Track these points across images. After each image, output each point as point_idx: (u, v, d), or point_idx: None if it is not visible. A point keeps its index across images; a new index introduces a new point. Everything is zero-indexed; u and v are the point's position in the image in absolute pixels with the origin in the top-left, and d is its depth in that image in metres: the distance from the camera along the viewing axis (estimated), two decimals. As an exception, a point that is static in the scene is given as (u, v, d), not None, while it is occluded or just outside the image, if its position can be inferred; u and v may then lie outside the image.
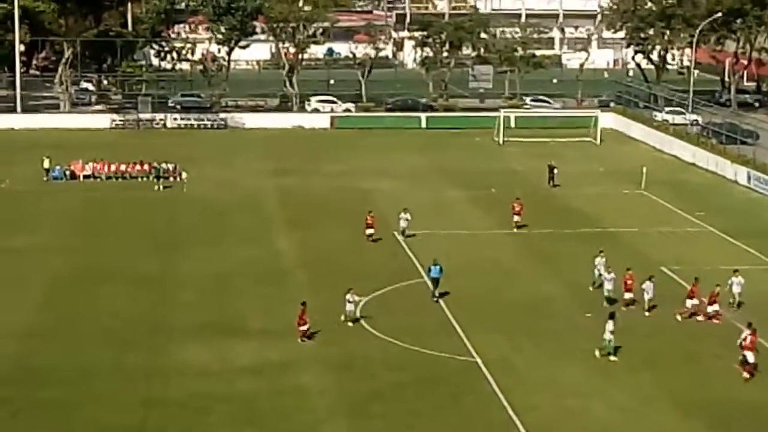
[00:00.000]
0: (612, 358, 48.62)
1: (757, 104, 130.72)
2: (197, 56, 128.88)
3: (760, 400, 44.94)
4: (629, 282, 55.83)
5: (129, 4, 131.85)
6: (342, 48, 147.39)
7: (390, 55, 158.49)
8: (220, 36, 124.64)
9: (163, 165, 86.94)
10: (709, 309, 53.94)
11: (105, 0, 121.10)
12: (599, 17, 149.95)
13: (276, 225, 73.64)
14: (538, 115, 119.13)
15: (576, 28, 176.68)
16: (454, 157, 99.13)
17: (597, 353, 48.77)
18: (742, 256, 67.14)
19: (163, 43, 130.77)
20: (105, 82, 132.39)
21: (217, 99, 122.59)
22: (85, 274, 61.47)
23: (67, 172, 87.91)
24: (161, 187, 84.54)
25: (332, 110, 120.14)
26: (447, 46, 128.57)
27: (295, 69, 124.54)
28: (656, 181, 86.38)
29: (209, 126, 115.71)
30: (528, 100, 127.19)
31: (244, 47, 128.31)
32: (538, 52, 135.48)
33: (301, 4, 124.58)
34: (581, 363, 48.65)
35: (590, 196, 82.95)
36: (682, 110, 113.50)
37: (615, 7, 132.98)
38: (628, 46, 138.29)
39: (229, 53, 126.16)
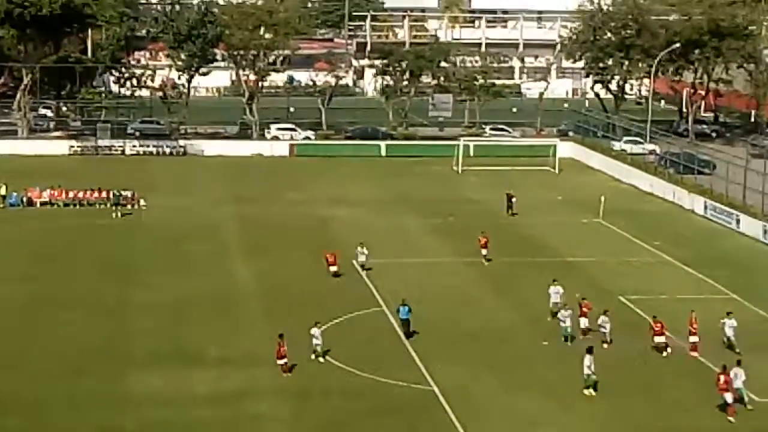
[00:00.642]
0: (588, 392, 47.98)
1: (714, 134, 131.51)
2: (157, 83, 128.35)
3: (716, 429, 45.08)
4: (585, 310, 56.04)
5: (89, 31, 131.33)
6: (302, 76, 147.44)
7: (350, 83, 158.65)
8: (180, 63, 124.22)
9: (122, 192, 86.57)
10: (691, 339, 53.94)
11: (65, 26, 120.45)
12: (558, 47, 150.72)
13: (234, 253, 73.43)
14: (498, 144, 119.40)
15: (536, 57, 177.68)
16: (413, 186, 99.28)
17: (585, 391, 48.19)
18: (699, 285, 67.52)
19: (123, 70, 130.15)
20: (64, 108, 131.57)
21: (177, 126, 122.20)
22: (42, 302, 61.05)
23: (24, 199, 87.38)
24: (119, 214, 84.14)
25: (292, 138, 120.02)
26: (407, 75, 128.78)
27: (255, 96, 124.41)
28: (614, 210, 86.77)
29: (168, 153, 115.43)
30: (487, 128, 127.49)
31: (204, 74, 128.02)
32: (498, 81, 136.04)
33: (261, 32, 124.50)
34: (538, 393, 48.68)
35: (549, 225, 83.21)
36: (640, 140, 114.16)
37: (574, 37, 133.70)
38: (587, 75, 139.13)
39: (189, 80, 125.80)
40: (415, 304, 58.61)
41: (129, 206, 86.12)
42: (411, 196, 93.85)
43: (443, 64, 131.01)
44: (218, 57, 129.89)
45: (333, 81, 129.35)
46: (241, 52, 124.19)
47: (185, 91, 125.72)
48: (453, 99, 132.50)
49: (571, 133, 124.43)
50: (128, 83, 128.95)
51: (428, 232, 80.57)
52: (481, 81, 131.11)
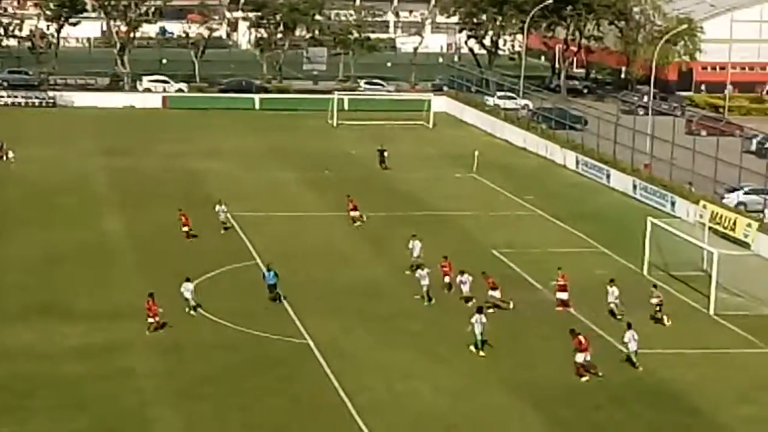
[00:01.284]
0: (474, 350, 47.80)
1: (585, 90, 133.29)
2: (25, 32, 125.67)
3: (576, 377, 45.72)
4: (446, 268, 56.10)
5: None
6: (175, 27, 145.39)
7: (224, 36, 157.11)
8: (49, 12, 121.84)
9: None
10: (560, 295, 54.50)
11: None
12: (433, 2, 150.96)
13: (105, 206, 72.40)
14: (372, 98, 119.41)
15: (410, 12, 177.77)
16: (287, 139, 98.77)
17: (472, 348, 47.98)
18: (570, 239, 68.39)
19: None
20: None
21: (46, 77, 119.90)
22: None
23: None
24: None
25: (164, 90, 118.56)
26: (281, 28, 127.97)
27: (127, 48, 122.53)
28: (488, 164, 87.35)
29: (37, 104, 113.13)
30: (362, 83, 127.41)
31: (74, 24, 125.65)
32: (372, 36, 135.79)
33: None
34: (411, 346, 48.94)
35: (423, 180, 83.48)
36: (514, 95, 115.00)
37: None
38: (461, 30, 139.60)
39: (58, 30, 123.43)
40: (290, 258, 58.42)
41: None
42: (286, 150, 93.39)
43: (318, 17, 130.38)
44: (88, 7, 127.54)
45: (206, 33, 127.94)
46: (112, 2, 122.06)
47: (54, 41, 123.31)
48: (327, 53, 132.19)
49: (445, 88, 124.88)
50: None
51: (303, 186, 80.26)
52: (356, 35, 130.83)
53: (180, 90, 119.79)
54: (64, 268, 58.62)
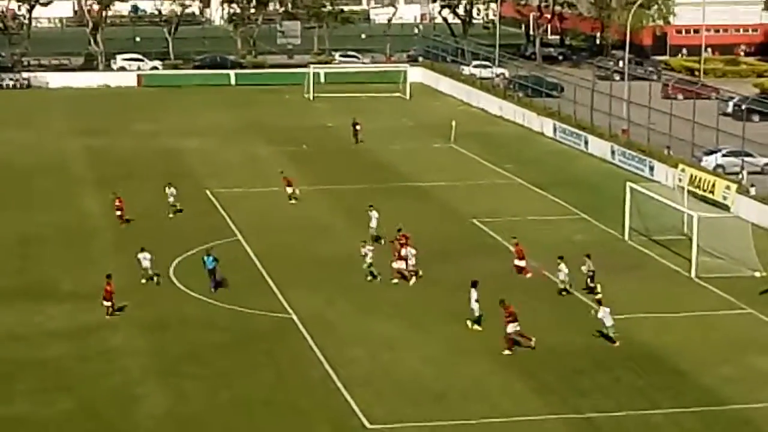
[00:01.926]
0: (473, 326, 47.38)
1: (561, 57, 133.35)
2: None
3: (559, 344, 45.79)
4: (401, 241, 54.56)
5: None
6: (147, 5, 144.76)
7: (197, 12, 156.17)
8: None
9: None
10: (518, 263, 54.55)
11: None
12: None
13: (83, 186, 72.14)
14: (348, 70, 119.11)
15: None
16: (264, 114, 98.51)
17: (468, 324, 47.56)
18: (549, 206, 68.45)
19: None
20: None
21: (19, 58, 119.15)
22: None
23: None
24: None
25: (139, 68, 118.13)
26: (254, 2, 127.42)
27: (100, 26, 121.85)
28: (465, 134, 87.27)
29: (11, 86, 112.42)
30: (337, 55, 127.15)
31: (45, 4, 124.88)
32: (345, 8, 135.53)
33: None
34: (394, 317, 48.94)
35: (401, 151, 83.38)
36: (489, 64, 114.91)
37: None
38: (435, 0, 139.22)
39: (30, 10, 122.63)
40: (270, 232, 58.29)
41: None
42: (263, 125, 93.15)
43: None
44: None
45: (179, 9, 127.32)
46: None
47: (26, 21, 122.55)
48: (301, 26, 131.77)
49: (420, 59, 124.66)
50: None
51: (281, 160, 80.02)
52: (329, 7, 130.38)
53: (154, 68, 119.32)
54: (44, 250, 58.46)
